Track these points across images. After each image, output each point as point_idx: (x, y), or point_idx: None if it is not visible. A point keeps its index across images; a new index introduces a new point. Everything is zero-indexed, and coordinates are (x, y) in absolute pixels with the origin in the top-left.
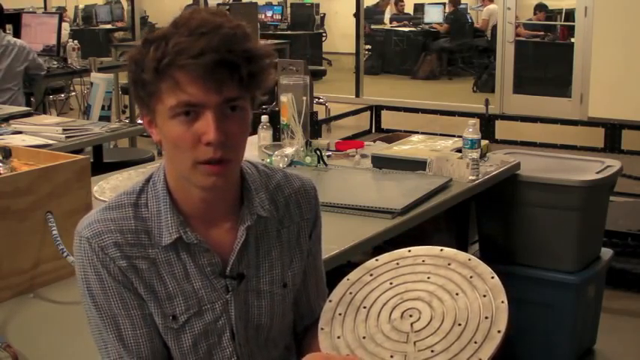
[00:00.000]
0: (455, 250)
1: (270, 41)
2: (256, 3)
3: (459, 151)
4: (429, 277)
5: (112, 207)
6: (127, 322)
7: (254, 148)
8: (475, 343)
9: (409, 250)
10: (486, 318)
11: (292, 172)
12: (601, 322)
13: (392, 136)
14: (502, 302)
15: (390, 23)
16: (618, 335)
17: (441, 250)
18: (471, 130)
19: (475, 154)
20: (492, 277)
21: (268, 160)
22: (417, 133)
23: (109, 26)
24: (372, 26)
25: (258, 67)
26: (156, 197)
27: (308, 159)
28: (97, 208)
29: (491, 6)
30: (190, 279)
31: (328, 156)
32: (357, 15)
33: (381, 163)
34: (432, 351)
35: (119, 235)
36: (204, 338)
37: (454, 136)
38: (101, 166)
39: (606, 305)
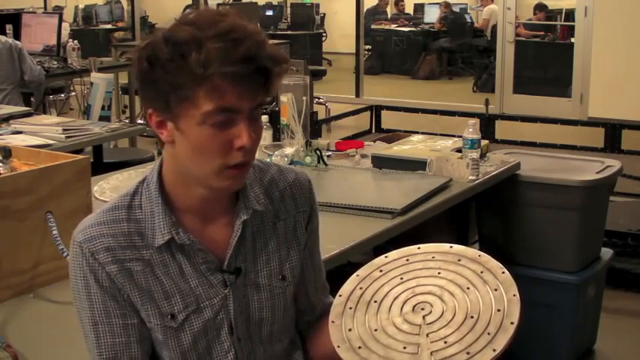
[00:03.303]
0: (464, 247)
1: (270, 41)
2: (257, 3)
3: (459, 151)
4: (439, 273)
5: (106, 210)
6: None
7: None
8: (489, 334)
9: (418, 247)
10: (499, 310)
11: (286, 166)
12: (601, 322)
13: (392, 136)
14: (514, 295)
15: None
16: (618, 335)
17: (451, 246)
18: (471, 130)
19: (475, 154)
20: (503, 272)
21: (268, 160)
22: (417, 133)
23: (109, 26)
24: (372, 26)
25: (282, 71)
26: (149, 198)
27: (308, 159)
28: (95, 212)
29: (492, 6)
30: (186, 277)
31: (328, 156)
32: (357, 15)
33: (381, 163)
34: (446, 342)
35: (111, 238)
36: (203, 335)
37: (454, 136)
38: (101, 166)
39: (606, 305)
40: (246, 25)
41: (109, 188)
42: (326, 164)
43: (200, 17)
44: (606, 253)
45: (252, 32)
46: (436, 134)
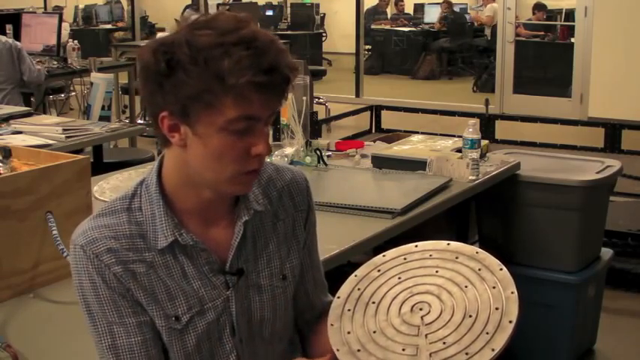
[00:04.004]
0: (461, 244)
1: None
2: (257, 3)
3: (459, 151)
4: (437, 271)
5: (105, 213)
6: (122, 330)
7: None
8: (487, 334)
9: (416, 245)
10: (497, 309)
11: (283, 165)
12: (601, 322)
13: (392, 136)
14: (512, 293)
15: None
16: (618, 335)
17: (448, 244)
18: (471, 130)
19: (475, 154)
20: (501, 269)
21: (268, 160)
22: (417, 133)
23: (109, 26)
24: (372, 26)
25: (295, 78)
26: (149, 200)
27: (308, 159)
28: (91, 216)
29: (495, 4)
30: (189, 279)
31: (328, 156)
32: (357, 15)
33: (381, 163)
34: (444, 343)
35: (114, 240)
36: (206, 337)
37: (454, 136)
38: (101, 166)
39: (606, 305)
40: (264, 32)
41: (109, 188)
42: (326, 164)
43: (218, 22)
44: (606, 253)
45: (273, 40)
46: (436, 134)
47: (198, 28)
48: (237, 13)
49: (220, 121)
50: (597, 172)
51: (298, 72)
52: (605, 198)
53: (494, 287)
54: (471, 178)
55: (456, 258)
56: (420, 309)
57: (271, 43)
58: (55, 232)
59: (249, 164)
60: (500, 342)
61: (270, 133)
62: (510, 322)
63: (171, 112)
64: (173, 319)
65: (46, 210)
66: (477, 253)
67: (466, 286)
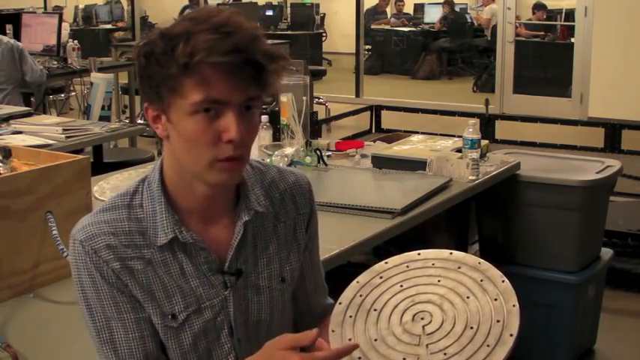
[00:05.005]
0: (464, 254)
1: (269, 41)
2: (257, 3)
3: (459, 151)
4: (439, 281)
5: (105, 209)
6: (120, 325)
7: (254, 148)
8: (488, 346)
9: (419, 254)
10: (498, 321)
11: (286, 168)
12: (601, 322)
13: (392, 136)
14: (513, 306)
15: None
16: (618, 335)
17: (451, 253)
18: (471, 130)
19: (475, 154)
20: (503, 281)
21: (268, 160)
22: (417, 133)
23: (109, 26)
24: (372, 26)
25: (278, 68)
26: (151, 197)
27: (308, 159)
28: (92, 212)
29: (494, 5)
30: (187, 277)
31: (328, 156)
32: (357, 15)
33: (381, 163)
34: (445, 354)
35: (112, 237)
36: (203, 336)
37: (454, 136)
38: (101, 166)
39: (606, 305)
40: (242, 20)
41: (109, 188)
42: (326, 164)
43: (198, 13)
44: (606, 253)
45: (247, 27)
46: (436, 134)
47: (179, 21)
48: (220, 7)
49: (186, 105)
50: (597, 172)
51: (281, 61)
52: (605, 198)
53: (495, 299)
54: (471, 178)
55: (459, 268)
56: (422, 318)
57: (242, 29)
58: (55, 232)
59: (223, 151)
60: (500, 355)
61: (270, 132)
62: (511, 335)
63: (150, 102)
64: (169, 316)
65: (46, 210)
66: (479, 263)
67: (468, 297)
